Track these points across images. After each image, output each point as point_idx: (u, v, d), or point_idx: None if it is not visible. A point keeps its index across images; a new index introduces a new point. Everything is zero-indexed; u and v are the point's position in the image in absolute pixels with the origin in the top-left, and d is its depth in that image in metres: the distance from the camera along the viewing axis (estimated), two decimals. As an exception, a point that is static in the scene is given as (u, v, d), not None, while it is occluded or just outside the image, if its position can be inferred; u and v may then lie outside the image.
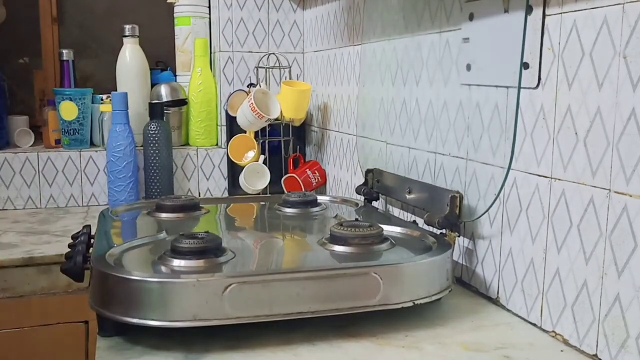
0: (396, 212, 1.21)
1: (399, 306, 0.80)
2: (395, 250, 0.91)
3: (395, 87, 1.19)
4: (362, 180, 1.27)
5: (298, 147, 1.71)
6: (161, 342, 0.76)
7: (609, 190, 0.70)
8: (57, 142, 1.70)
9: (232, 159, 1.63)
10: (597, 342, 0.72)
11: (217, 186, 1.76)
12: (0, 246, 1.27)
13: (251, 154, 1.63)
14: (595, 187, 0.72)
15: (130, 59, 1.70)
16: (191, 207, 1.15)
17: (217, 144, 1.79)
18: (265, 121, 1.55)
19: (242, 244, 1.01)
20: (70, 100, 1.66)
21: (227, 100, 1.68)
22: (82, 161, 1.66)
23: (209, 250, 0.83)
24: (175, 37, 1.85)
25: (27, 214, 1.56)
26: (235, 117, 1.62)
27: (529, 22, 0.81)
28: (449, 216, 0.95)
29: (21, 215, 1.55)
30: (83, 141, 1.69)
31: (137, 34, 1.71)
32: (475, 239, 0.96)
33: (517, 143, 0.85)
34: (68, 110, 1.66)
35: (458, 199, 0.95)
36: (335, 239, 0.91)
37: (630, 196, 0.67)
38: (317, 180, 1.63)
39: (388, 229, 0.97)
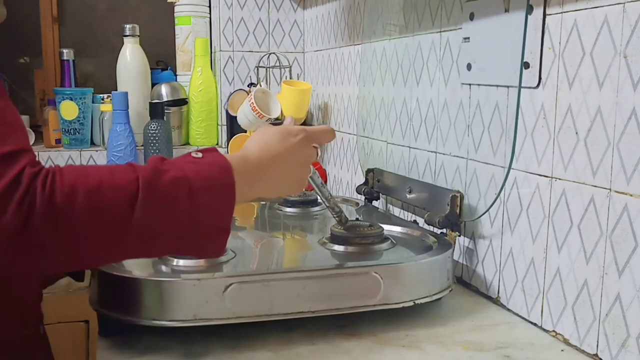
0: (397, 211, 1.21)
1: (400, 306, 0.80)
2: (396, 250, 0.91)
3: (396, 86, 1.19)
4: (362, 180, 1.27)
5: (298, 146, 1.70)
6: (161, 341, 0.76)
7: (610, 189, 0.70)
8: (58, 141, 1.70)
9: (233, 159, 1.63)
10: (597, 341, 0.72)
11: (218, 186, 1.76)
12: (1, 246, 1.26)
13: (251, 154, 1.63)
14: (595, 186, 0.72)
15: (131, 58, 1.70)
16: (191, 206, 1.15)
17: (217, 144, 1.79)
18: (266, 121, 1.55)
19: (242, 244, 1.01)
20: (71, 99, 1.66)
21: (228, 99, 1.68)
22: (82, 161, 1.66)
23: (209, 250, 0.83)
24: (176, 36, 1.85)
25: (28, 214, 1.56)
26: (235, 117, 1.62)
27: (529, 22, 0.81)
28: (449, 216, 0.95)
29: (22, 214, 1.55)
30: (83, 141, 1.69)
31: (138, 34, 1.71)
32: (475, 239, 0.96)
33: (518, 143, 0.85)
34: (68, 109, 1.66)
35: (458, 198, 0.95)
36: (335, 239, 0.91)
37: (631, 196, 0.67)
38: (317, 179, 1.62)
39: (388, 229, 0.97)
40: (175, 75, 1.89)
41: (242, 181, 0.67)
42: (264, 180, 0.73)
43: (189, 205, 0.62)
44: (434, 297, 0.83)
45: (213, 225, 0.65)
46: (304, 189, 0.82)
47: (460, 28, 0.97)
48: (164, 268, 0.82)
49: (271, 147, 0.74)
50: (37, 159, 0.60)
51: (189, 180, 0.63)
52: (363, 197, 1.24)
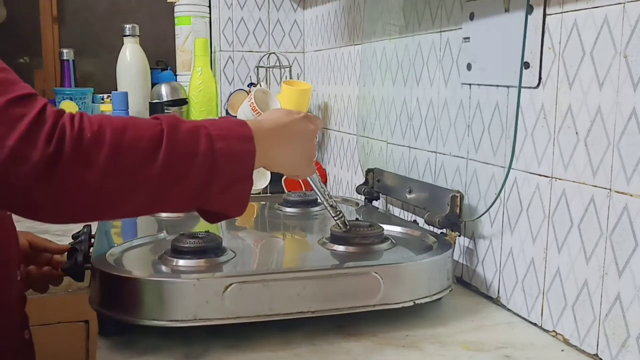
0: (397, 211, 1.21)
1: (400, 306, 0.80)
2: (396, 250, 0.91)
3: (396, 86, 1.19)
4: (362, 180, 1.27)
5: (298, 146, 1.70)
6: (161, 342, 0.76)
7: (610, 189, 0.70)
8: (58, 141, 1.69)
9: (233, 159, 1.63)
10: (597, 341, 0.72)
11: (218, 186, 1.76)
12: (1, 246, 1.26)
13: (251, 154, 1.63)
14: (595, 186, 0.72)
15: (131, 58, 1.70)
16: (191, 206, 1.15)
17: (217, 144, 1.79)
18: (266, 121, 1.55)
19: (242, 244, 1.01)
20: (71, 99, 1.66)
21: (228, 99, 1.68)
22: (82, 161, 1.66)
23: (210, 250, 0.83)
24: (176, 36, 1.85)
25: (28, 214, 1.55)
26: (235, 117, 1.62)
27: (529, 22, 0.81)
28: (449, 216, 0.95)
29: (21, 214, 1.55)
30: (83, 141, 1.68)
31: (138, 34, 1.71)
32: (475, 239, 0.96)
33: (518, 143, 0.85)
34: (68, 109, 1.65)
35: (458, 198, 0.95)
36: (335, 239, 0.91)
37: (631, 196, 0.67)
38: (317, 179, 1.62)
39: (388, 229, 0.97)
40: (175, 75, 1.89)
41: (258, 141, 0.69)
42: (277, 145, 0.76)
43: (209, 148, 0.64)
44: (434, 297, 0.83)
45: (233, 173, 0.67)
46: (314, 172, 0.84)
47: (460, 28, 0.97)
48: (164, 268, 0.82)
49: (279, 118, 0.78)
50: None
51: (208, 129, 0.66)
52: (363, 197, 1.24)
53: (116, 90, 1.68)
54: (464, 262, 0.99)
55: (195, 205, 0.68)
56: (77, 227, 0.99)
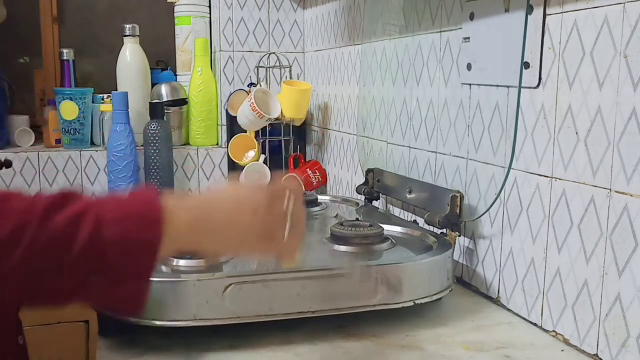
0: (397, 211, 1.21)
1: (400, 306, 0.80)
2: (396, 250, 0.91)
3: (396, 86, 1.19)
4: (362, 180, 1.27)
5: (298, 146, 1.71)
6: (161, 342, 0.76)
7: (610, 189, 0.70)
8: (58, 141, 1.69)
9: (233, 159, 1.63)
10: (597, 341, 0.72)
11: (218, 186, 1.76)
12: (1, 246, 1.26)
13: (251, 154, 1.63)
14: (595, 186, 0.72)
15: (131, 58, 1.70)
16: (191, 206, 1.15)
17: (217, 144, 1.79)
18: (266, 120, 1.55)
19: (242, 244, 1.01)
20: (71, 99, 1.66)
21: (228, 99, 1.68)
22: (82, 161, 1.66)
23: (209, 250, 0.83)
24: (176, 36, 1.85)
25: (28, 214, 1.55)
26: (235, 117, 1.62)
27: (529, 22, 0.81)
28: (449, 216, 0.95)
29: (21, 214, 1.55)
30: (83, 141, 1.68)
31: (138, 34, 1.71)
32: (475, 239, 0.96)
33: (518, 143, 0.85)
34: (68, 109, 1.65)
35: (458, 198, 0.95)
36: (335, 239, 0.91)
37: (631, 196, 0.67)
38: (317, 179, 1.62)
39: (388, 229, 0.97)
40: (175, 75, 1.89)
41: (175, 226, 0.57)
42: (208, 233, 0.61)
43: (93, 234, 0.55)
44: (434, 297, 0.83)
45: (126, 267, 0.56)
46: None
47: (460, 28, 0.97)
48: (164, 268, 0.82)
49: (232, 214, 0.62)
50: None
51: (100, 211, 0.56)
52: (363, 197, 1.24)
53: (116, 90, 1.68)
54: (464, 262, 0.99)
55: (77, 300, 0.59)
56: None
